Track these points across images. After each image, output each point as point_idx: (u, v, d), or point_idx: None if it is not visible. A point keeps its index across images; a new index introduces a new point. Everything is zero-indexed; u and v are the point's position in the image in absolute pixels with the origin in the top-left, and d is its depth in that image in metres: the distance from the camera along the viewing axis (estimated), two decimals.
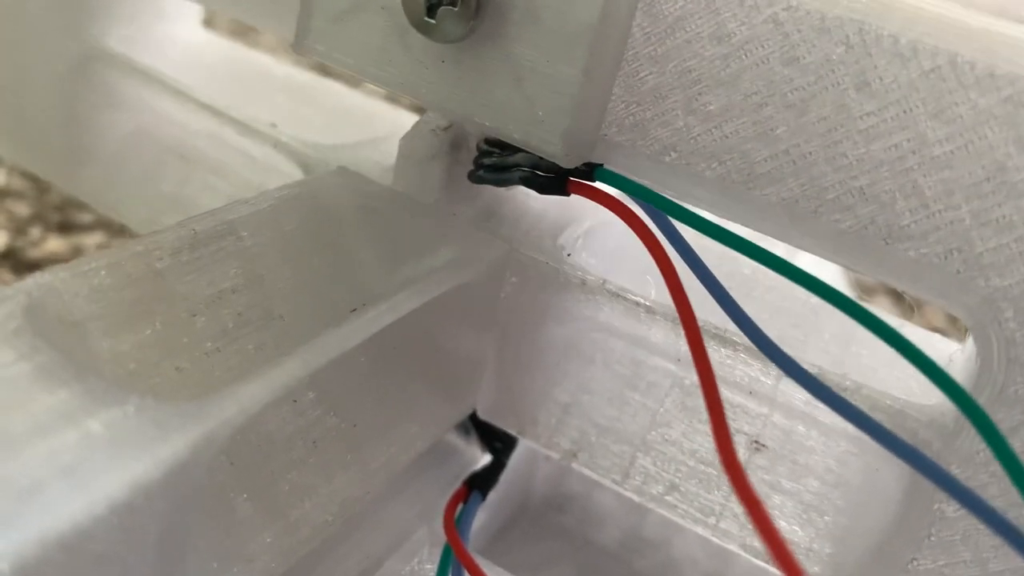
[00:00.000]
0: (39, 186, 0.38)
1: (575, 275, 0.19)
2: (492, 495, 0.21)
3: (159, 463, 0.12)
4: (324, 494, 0.17)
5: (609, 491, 0.25)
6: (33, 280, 0.15)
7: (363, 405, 0.18)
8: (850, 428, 0.18)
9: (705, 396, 0.14)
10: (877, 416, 0.17)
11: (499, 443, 0.21)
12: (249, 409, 0.14)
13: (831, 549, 0.18)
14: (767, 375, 0.18)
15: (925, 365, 0.13)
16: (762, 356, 0.18)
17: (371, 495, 0.18)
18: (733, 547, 0.18)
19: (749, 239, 0.15)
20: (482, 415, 0.21)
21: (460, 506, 0.20)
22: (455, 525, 0.19)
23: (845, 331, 0.20)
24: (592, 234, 0.20)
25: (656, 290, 0.19)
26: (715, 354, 0.18)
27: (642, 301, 0.19)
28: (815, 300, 0.22)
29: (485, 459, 0.22)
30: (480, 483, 0.21)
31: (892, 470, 0.18)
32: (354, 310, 0.16)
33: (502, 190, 0.20)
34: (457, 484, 0.21)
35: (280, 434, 0.16)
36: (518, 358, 0.20)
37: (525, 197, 0.20)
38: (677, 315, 0.16)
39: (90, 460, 0.12)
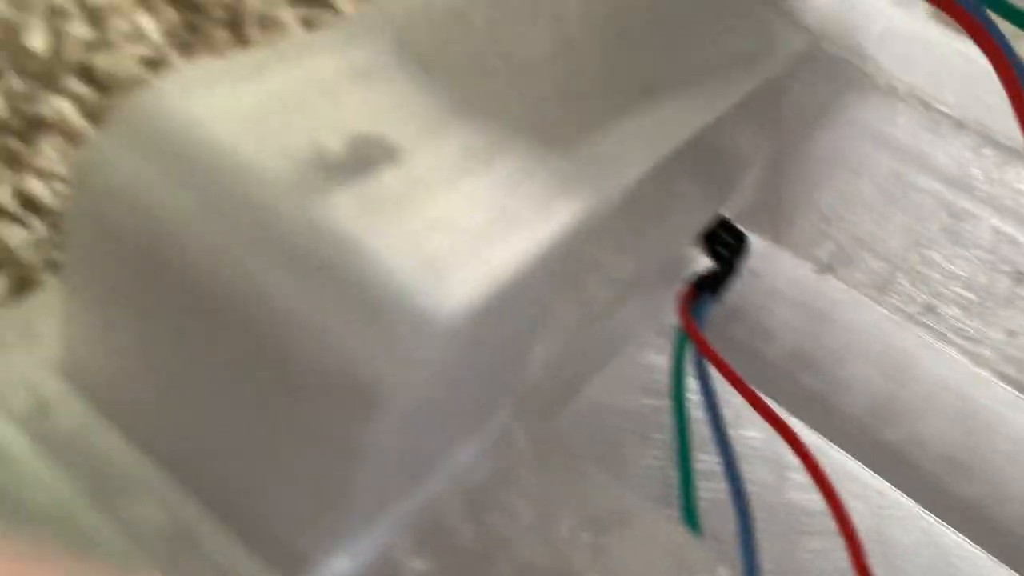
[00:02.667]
0: None
1: (882, 78, 0.17)
2: None
3: (573, 216, 0.11)
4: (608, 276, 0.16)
5: (785, 306, 0.25)
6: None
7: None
8: None
9: None
10: None
11: (726, 249, 0.21)
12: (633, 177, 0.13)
13: None
14: None
15: None
16: None
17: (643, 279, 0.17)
18: (986, 373, 0.18)
19: None
20: (733, 218, 0.20)
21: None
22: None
23: None
24: (889, 32, 0.18)
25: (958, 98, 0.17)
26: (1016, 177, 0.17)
27: (948, 111, 0.17)
28: None
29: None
30: (710, 285, 0.20)
31: None
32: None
33: None
34: (679, 286, 0.20)
35: None
36: (790, 162, 0.19)
37: None
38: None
39: (522, 205, 0.11)
